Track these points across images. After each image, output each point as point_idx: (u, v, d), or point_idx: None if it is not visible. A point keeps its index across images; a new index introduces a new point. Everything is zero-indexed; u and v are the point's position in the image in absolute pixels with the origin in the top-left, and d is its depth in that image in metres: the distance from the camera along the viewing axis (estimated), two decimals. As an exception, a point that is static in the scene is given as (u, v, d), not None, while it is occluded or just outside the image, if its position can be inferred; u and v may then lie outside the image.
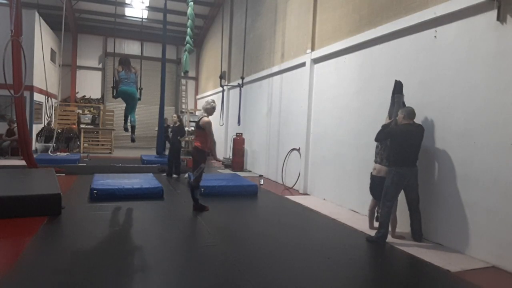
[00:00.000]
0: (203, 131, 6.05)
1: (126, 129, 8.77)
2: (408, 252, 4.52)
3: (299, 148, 8.76)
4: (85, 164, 11.20)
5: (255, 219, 6.10)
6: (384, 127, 5.20)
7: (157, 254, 4.23)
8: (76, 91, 18.43)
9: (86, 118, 16.57)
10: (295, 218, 6.23)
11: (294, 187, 8.84)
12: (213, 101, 6.25)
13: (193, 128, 16.97)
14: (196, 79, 21.11)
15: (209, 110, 6.16)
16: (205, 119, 6.06)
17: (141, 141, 16.98)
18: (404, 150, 4.80)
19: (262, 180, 9.65)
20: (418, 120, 5.23)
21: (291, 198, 7.76)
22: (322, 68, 8.05)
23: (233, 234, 5.34)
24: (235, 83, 12.77)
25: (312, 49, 8.31)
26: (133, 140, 8.85)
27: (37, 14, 13.07)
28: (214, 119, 6.85)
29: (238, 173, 10.44)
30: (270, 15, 10.90)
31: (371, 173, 5.44)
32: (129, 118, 8.70)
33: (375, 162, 5.40)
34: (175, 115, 10.60)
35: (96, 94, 18.91)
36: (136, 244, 4.50)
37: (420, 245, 4.75)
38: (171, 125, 10.34)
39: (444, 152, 4.89)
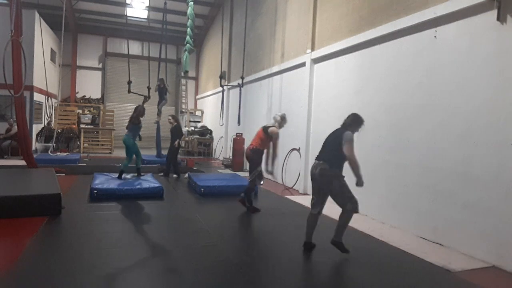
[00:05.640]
0: (268, 138, 6.10)
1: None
2: (408, 252, 4.53)
3: (299, 148, 8.76)
4: (85, 164, 11.20)
5: (255, 219, 6.09)
6: None
7: (157, 254, 4.24)
8: (76, 91, 18.42)
9: (86, 118, 16.56)
10: (295, 218, 6.22)
11: (294, 187, 8.83)
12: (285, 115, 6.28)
13: (192, 128, 16.93)
14: (196, 79, 21.11)
15: (281, 123, 6.16)
16: (275, 129, 6.09)
17: (141, 140, 16.91)
18: None
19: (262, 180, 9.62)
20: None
21: (291, 198, 7.76)
22: (322, 68, 8.04)
23: (233, 234, 5.35)
24: (235, 83, 12.76)
25: (312, 49, 8.31)
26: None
27: (37, 14, 13.05)
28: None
29: (238, 173, 10.43)
30: (270, 15, 10.89)
31: None
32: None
33: None
34: (169, 116, 10.03)
35: (96, 94, 18.90)
36: (136, 244, 4.49)
37: (420, 245, 4.74)
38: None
39: (444, 152, 4.89)
